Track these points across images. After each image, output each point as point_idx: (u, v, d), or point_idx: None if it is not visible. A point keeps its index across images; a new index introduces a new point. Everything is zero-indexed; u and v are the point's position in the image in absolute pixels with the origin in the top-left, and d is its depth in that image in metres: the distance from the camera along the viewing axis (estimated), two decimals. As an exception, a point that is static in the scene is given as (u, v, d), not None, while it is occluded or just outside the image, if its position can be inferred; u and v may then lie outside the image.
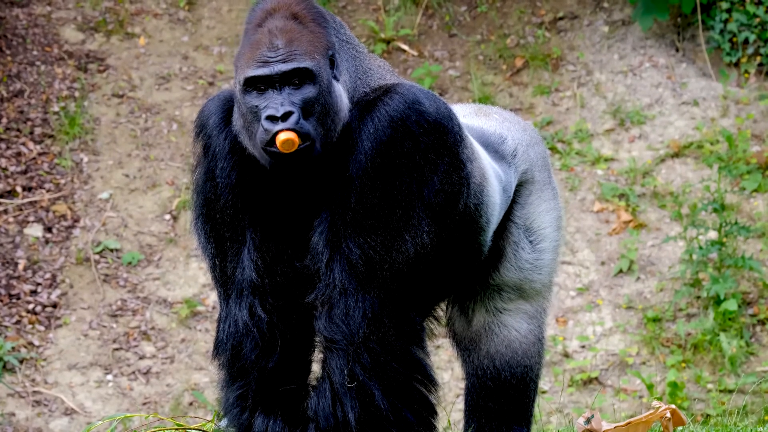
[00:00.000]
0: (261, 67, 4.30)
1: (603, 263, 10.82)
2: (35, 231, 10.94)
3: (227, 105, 4.50)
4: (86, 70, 11.95)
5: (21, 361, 10.21)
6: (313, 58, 4.32)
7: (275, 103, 4.29)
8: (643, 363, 10.19)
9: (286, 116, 4.26)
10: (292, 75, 4.30)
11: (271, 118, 4.26)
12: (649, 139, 11.54)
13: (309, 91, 4.32)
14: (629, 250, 10.71)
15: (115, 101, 11.82)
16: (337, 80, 4.41)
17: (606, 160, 11.44)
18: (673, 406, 5.01)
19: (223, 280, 4.52)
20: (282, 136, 4.24)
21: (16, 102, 11.64)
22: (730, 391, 9.82)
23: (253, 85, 4.31)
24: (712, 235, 10.63)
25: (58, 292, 10.63)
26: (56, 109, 11.62)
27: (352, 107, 4.43)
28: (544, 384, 10.04)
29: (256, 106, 4.31)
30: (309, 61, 4.31)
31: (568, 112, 11.80)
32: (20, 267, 10.71)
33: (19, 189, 11.13)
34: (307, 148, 4.28)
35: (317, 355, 4.53)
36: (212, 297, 10.69)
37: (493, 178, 4.80)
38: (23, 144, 11.41)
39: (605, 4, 12.39)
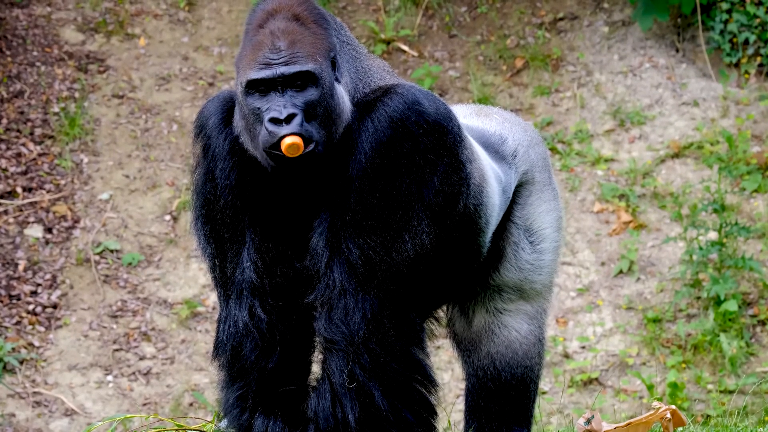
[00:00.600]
0: (263, 70, 4.29)
1: (603, 264, 10.82)
2: (35, 232, 10.95)
3: (227, 106, 4.50)
4: (86, 71, 11.95)
5: (21, 362, 10.21)
6: (315, 61, 4.32)
7: (278, 105, 4.28)
8: (644, 363, 10.19)
9: (289, 118, 4.26)
10: (294, 78, 4.30)
11: (275, 121, 4.26)
12: (649, 140, 11.54)
13: (311, 93, 4.32)
14: (629, 251, 10.71)
15: (115, 102, 11.82)
16: (339, 82, 4.41)
17: (606, 160, 11.44)
18: (674, 406, 5.01)
19: (223, 280, 4.52)
20: (288, 141, 4.24)
21: (16, 103, 11.64)
22: (731, 392, 9.82)
23: (255, 87, 4.31)
24: (712, 235, 10.63)
25: (58, 292, 10.63)
26: (56, 109, 11.62)
27: (352, 108, 4.43)
28: (544, 384, 10.04)
29: (259, 108, 4.31)
30: (311, 64, 4.31)
31: (568, 112, 11.80)
32: (20, 268, 10.71)
33: (19, 190, 11.13)
34: (311, 152, 4.28)
35: (317, 356, 4.53)
36: (212, 298, 10.69)
37: (492, 179, 4.80)
38: (23, 145, 11.41)
39: (605, 5, 12.39)
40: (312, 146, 4.27)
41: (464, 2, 12.54)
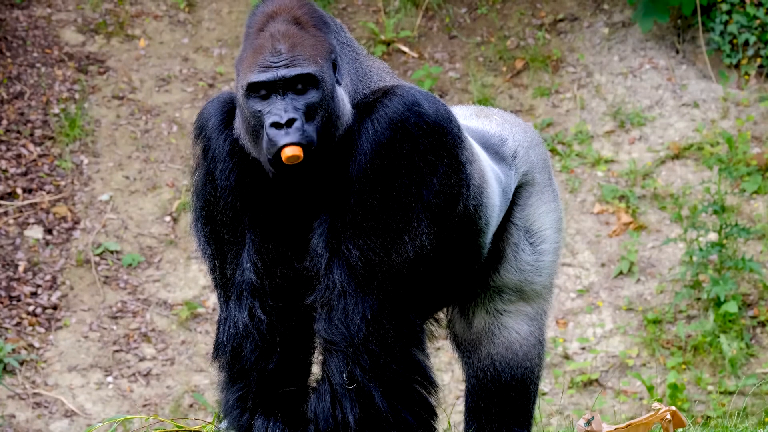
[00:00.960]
0: (264, 72, 4.29)
1: (603, 265, 10.82)
2: (35, 233, 10.95)
3: (227, 107, 4.50)
4: (86, 72, 11.95)
5: (21, 363, 10.21)
6: (316, 63, 4.32)
7: (278, 108, 4.28)
8: (644, 365, 10.19)
9: (290, 122, 4.26)
10: (295, 81, 4.30)
11: (276, 125, 4.26)
12: (649, 141, 11.54)
13: (312, 96, 4.32)
14: (629, 252, 10.70)
15: (115, 103, 11.82)
16: (339, 84, 4.41)
17: (606, 161, 11.44)
18: (674, 407, 5.01)
19: (223, 281, 4.52)
20: (288, 152, 4.24)
21: (16, 104, 11.64)
22: (731, 393, 9.82)
23: (256, 90, 4.31)
24: (713, 236, 10.63)
25: (58, 293, 10.63)
26: (56, 111, 11.62)
27: (352, 110, 4.43)
28: (544, 386, 10.04)
29: (260, 111, 4.31)
30: (312, 67, 4.31)
31: (569, 113, 11.80)
32: (20, 269, 10.71)
33: (19, 191, 11.13)
34: (311, 157, 4.29)
35: (317, 357, 4.53)
36: (212, 299, 10.69)
37: (492, 180, 4.80)
38: (23, 146, 11.42)
39: (605, 6, 12.39)
40: (312, 151, 4.28)
41: (464, 3, 12.55)
